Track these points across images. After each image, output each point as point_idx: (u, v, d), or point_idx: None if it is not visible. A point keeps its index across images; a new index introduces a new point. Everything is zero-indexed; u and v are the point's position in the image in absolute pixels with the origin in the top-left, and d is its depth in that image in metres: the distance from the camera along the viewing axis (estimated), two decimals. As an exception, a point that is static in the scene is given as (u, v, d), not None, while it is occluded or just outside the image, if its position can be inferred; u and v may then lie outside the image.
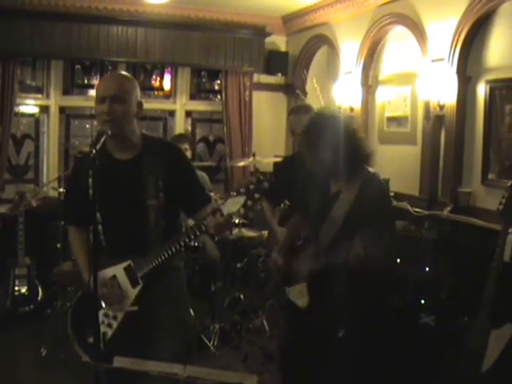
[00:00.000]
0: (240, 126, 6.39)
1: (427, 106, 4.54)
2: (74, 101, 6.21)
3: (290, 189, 3.25)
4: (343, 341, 2.54)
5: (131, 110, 2.30)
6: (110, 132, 2.18)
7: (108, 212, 2.32)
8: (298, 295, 2.62)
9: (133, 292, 2.31)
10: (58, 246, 4.80)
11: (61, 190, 5.01)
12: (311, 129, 2.59)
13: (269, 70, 6.57)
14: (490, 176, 4.13)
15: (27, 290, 4.73)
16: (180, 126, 6.57)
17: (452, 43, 4.24)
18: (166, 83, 6.58)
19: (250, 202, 2.11)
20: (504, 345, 2.75)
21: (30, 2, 5.48)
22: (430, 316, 3.76)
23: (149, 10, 5.94)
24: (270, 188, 2.17)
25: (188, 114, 6.69)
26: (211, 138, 6.90)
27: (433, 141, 4.51)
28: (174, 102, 6.58)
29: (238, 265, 5.20)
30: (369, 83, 5.43)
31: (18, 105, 5.80)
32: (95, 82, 6.19)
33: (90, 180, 2.15)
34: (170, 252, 2.27)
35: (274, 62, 6.55)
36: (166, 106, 6.59)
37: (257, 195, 2.11)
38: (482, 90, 4.20)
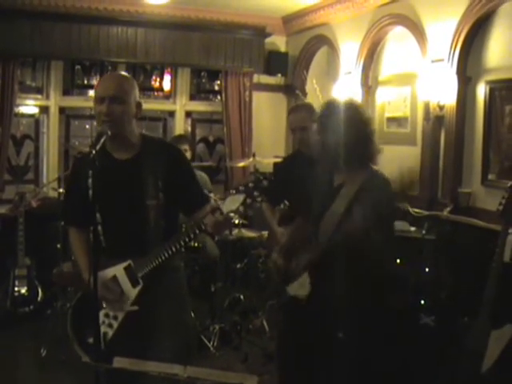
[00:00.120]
0: (240, 126, 6.40)
1: (427, 106, 4.55)
2: (74, 101, 6.21)
3: (289, 189, 3.25)
4: (343, 341, 2.54)
5: (130, 110, 2.30)
6: (109, 132, 2.18)
7: (108, 212, 2.32)
8: (299, 287, 2.61)
9: (133, 292, 2.31)
10: (58, 246, 4.80)
11: (61, 190, 5.01)
12: (325, 112, 2.57)
13: (269, 71, 6.57)
14: (490, 176, 4.14)
15: (27, 291, 4.73)
16: (180, 126, 6.58)
17: (452, 44, 4.25)
18: (166, 84, 6.58)
19: (249, 200, 2.12)
20: (504, 345, 2.76)
21: (30, 3, 5.48)
22: (430, 316, 3.76)
23: (149, 10, 5.95)
24: (269, 188, 2.17)
25: (188, 114, 6.69)
26: (211, 139, 6.90)
27: (433, 141, 4.51)
28: (174, 102, 6.59)
29: (238, 265, 5.20)
30: (369, 84, 5.43)
31: (18, 105, 5.80)
32: (95, 82, 6.19)
33: (90, 180, 2.16)
34: (170, 252, 2.27)
35: (274, 62, 6.56)
36: (166, 106, 6.59)
37: (256, 193, 2.11)
38: (481, 91, 4.20)
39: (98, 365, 1.94)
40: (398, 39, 5.13)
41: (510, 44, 3.98)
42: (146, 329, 2.31)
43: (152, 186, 2.32)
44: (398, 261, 3.96)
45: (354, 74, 5.47)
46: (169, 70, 6.54)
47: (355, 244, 2.36)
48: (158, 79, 6.57)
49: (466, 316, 3.00)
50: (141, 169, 2.32)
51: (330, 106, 2.61)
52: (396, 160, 4.96)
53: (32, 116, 6.08)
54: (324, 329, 2.53)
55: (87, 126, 6.35)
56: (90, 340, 2.23)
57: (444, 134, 4.43)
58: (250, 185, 2.12)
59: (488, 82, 4.13)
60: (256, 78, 6.57)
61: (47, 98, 6.03)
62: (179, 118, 6.59)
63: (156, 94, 6.59)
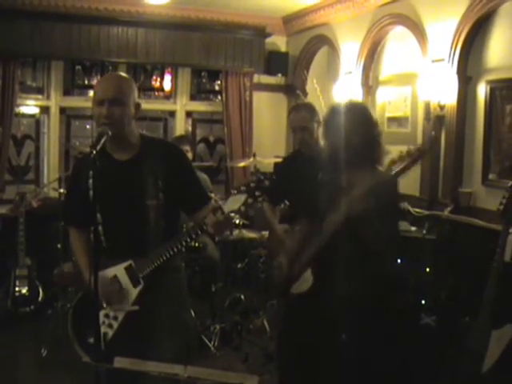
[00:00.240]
0: (240, 126, 6.40)
1: (427, 106, 4.54)
2: (75, 101, 6.21)
3: (290, 188, 3.25)
4: (344, 341, 2.54)
5: (129, 111, 2.30)
6: (110, 132, 2.18)
7: (108, 212, 2.32)
8: (301, 283, 2.62)
9: (134, 292, 2.31)
10: (59, 246, 4.80)
11: (61, 190, 5.02)
12: (331, 115, 2.57)
13: (269, 71, 6.57)
14: (491, 176, 4.13)
15: (28, 291, 4.73)
16: (180, 126, 6.58)
17: (452, 43, 4.24)
18: (167, 84, 6.59)
19: (250, 200, 2.12)
20: (505, 345, 2.76)
21: (31, 3, 5.48)
22: (431, 316, 3.76)
23: (149, 10, 5.95)
24: (270, 188, 2.17)
25: (188, 114, 6.70)
26: (211, 139, 6.90)
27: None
28: (175, 102, 6.59)
29: (239, 265, 5.21)
30: (369, 83, 5.43)
31: (19, 105, 5.80)
32: (95, 82, 6.19)
33: (91, 181, 2.16)
34: (171, 252, 2.27)
35: (275, 62, 6.56)
36: (167, 106, 6.59)
37: (257, 193, 2.11)
38: (482, 91, 4.20)
39: (98, 365, 1.94)
40: (398, 39, 5.13)
41: (510, 44, 3.98)
42: (146, 329, 2.31)
43: (152, 186, 2.32)
44: (399, 261, 3.96)
45: (354, 73, 5.47)
46: (169, 70, 6.54)
47: (356, 226, 2.35)
48: (159, 79, 6.57)
49: (467, 316, 2.99)
50: (141, 169, 2.32)
51: (336, 108, 2.61)
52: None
53: (32, 116, 6.08)
54: (324, 329, 2.53)
55: (88, 126, 6.35)
56: (91, 340, 2.23)
57: (444, 134, 4.43)
58: (252, 185, 2.12)
59: (488, 82, 4.13)
60: (256, 78, 6.57)
61: (48, 98, 6.03)
62: (180, 118, 6.59)
63: (156, 94, 6.59)
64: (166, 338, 2.31)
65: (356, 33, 5.43)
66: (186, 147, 4.55)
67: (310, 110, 3.42)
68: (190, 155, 4.61)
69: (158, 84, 6.58)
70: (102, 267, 2.18)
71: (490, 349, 2.77)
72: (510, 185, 2.94)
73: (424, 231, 4.14)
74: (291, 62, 6.61)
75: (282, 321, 3.25)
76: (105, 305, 2.32)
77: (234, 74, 6.34)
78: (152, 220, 2.32)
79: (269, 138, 6.62)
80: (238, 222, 4.80)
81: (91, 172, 2.16)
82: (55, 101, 6.04)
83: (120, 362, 1.67)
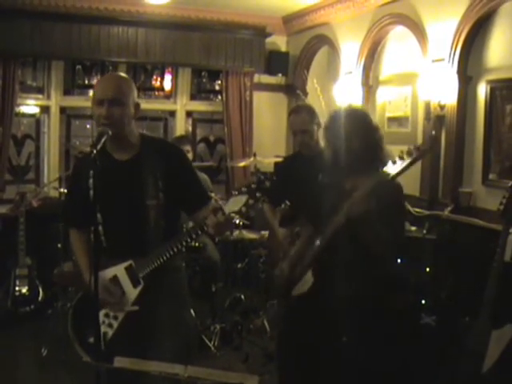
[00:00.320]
0: (241, 126, 6.39)
1: (428, 106, 4.54)
2: (75, 101, 6.21)
3: (290, 189, 3.25)
4: (344, 341, 2.54)
5: (129, 111, 2.30)
6: (110, 132, 2.18)
7: (108, 212, 2.32)
8: (302, 285, 2.62)
9: (134, 292, 2.31)
10: (59, 246, 4.80)
11: (61, 190, 5.02)
12: (333, 120, 2.57)
13: (269, 71, 6.57)
14: (491, 176, 4.13)
15: (28, 291, 4.73)
16: (180, 126, 6.58)
17: (452, 43, 4.24)
18: (167, 83, 6.58)
19: (251, 201, 2.12)
20: (505, 345, 2.76)
21: (31, 3, 5.48)
22: (431, 316, 3.76)
23: (149, 10, 5.95)
24: (270, 188, 2.17)
25: (188, 114, 6.69)
26: (212, 139, 6.90)
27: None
28: (175, 102, 6.59)
29: (239, 265, 5.21)
30: (369, 83, 5.43)
31: (19, 105, 5.80)
32: (95, 82, 6.18)
33: (91, 180, 2.16)
34: (171, 252, 2.27)
35: (275, 62, 6.55)
36: (167, 106, 6.59)
37: (258, 194, 2.11)
38: (482, 90, 4.20)
39: (98, 364, 1.94)
40: (398, 39, 5.13)
41: (510, 43, 3.98)
42: (146, 329, 2.31)
43: (152, 186, 2.32)
44: (399, 261, 3.96)
45: (354, 73, 5.47)
46: (169, 69, 6.54)
47: (357, 228, 2.35)
48: (159, 79, 6.57)
49: (467, 316, 3.00)
50: (140, 169, 2.32)
51: (338, 113, 2.61)
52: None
53: (33, 116, 6.08)
54: (324, 329, 2.53)
55: (88, 126, 6.35)
56: (91, 340, 2.23)
57: (445, 134, 4.43)
58: (253, 186, 2.12)
59: (489, 82, 4.13)
60: (257, 77, 6.56)
61: (48, 97, 6.03)
62: (180, 117, 6.59)
63: (157, 93, 6.59)
64: (167, 337, 2.31)
65: (356, 33, 5.43)
66: (187, 147, 4.55)
67: (310, 112, 3.42)
68: (190, 155, 4.60)
69: (158, 84, 6.58)
70: (102, 267, 2.18)
71: (489, 349, 2.77)
72: (510, 185, 2.94)
73: (424, 231, 4.14)
74: (291, 61, 6.61)
75: (282, 321, 3.25)
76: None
77: (234, 73, 6.34)
78: (152, 220, 2.32)
79: (269, 138, 6.62)
80: (238, 222, 4.80)
81: (91, 172, 2.16)
82: (55, 100, 6.04)
83: (120, 362, 1.68)
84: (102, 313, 2.30)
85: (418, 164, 4.65)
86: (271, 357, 3.97)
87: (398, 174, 2.31)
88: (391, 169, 2.30)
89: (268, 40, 6.51)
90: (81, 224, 2.45)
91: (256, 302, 4.84)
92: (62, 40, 5.55)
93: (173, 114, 6.61)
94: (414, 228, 4.29)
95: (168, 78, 6.58)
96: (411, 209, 4.40)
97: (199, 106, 6.74)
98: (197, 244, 4.44)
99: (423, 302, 3.89)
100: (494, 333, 2.79)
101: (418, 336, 3.70)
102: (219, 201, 2.25)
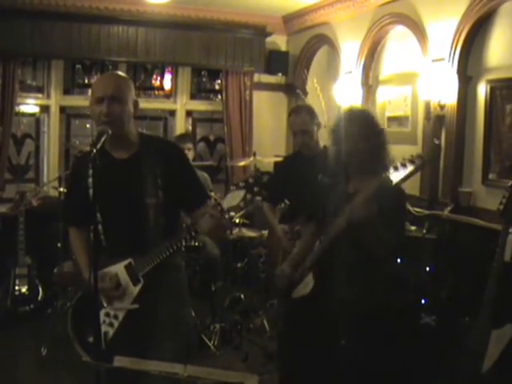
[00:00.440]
0: (240, 125, 6.39)
1: (428, 105, 4.54)
2: (75, 100, 6.20)
3: (290, 188, 3.26)
4: (344, 343, 2.54)
5: (129, 109, 2.30)
6: (110, 131, 2.18)
7: (107, 211, 2.32)
8: (303, 287, 2.62)
9: (134, 290, 2.31)
10: (59, 245, 4.79)
11: (61, 189, 5.01)
12: (338, 122, 2.57)
13: (269, 70, 6.57)
14: (491, 176, 4.13)
15: (28, 290, 4.73)
16: (180, 125, 6.58)
17: (452, 43, 4.24)
18: (167, 83, 6.58)
19: (249, 196, 2.14)
20: (504, 345, 2.76)
21: (31, 2, 5.48)
22: (431, 316, 3.76)
23: (149, 9, 5.95)
24: (270, 187, 2.18)
25: (188, 113, 6.69)
26: (212, 138, 6.90)
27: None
28: (175, 101, 6.59)
29: (239, 264, 5.21)
30: (369, 83, 5.43)
31: (19, 104, 5.79)
32: (93, 82, 6.18)
33: (90, 179, 2.16)
34: (170, 250, 2.27)
35: (275, 61, 6.55)
36: (167, 105, 6.59)
37: (256, 189, 2.13)
38: (482, 90, 4.20)
39: (98, 364, 1.94)
40: (398, 38, 5.13)
41: (510, 43, 3.98)
42: (146, 328, 2.31)
43: (151, 185, 2.32)
44: (399, 260, 3.96)
45: (354, 73, 5.47)
46: (169, 69, 6.54)
47: (358, 232, 2.35)
48: (159, 78, 6.56)
49: (467, 316, 2.99)
50: (140, 167, 2.32)
51: (344, 115, 2.61)
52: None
53: (32, 115, 6.08)
54: (324, 329, 2.53)
55: (88, 125, 6.34)
56: (91, 339, 2.23)
57: (445, 134, 4.43)
58: (250, 180, 2.14)
59: (489, 82, 4.13)
60: (256, 77, 6.56)
61: (48, 97, 6.03)
62: (180, 117, 6.59)
63: (156, 93, 6.59)
64: (166, 336, 2.31)
65: (356, 32, 5.43)
66: (189, 145, 4.55)
67: (310, 112, 3.42)
68: (192, 153, 4.61)
69: (158, 83, 6.57)
70: (101, 266, 2.19)
71: (489, 349, 2.77)
72: (510, 184, 2.94)
73: (424, 231, 4.14)
74: (291, 61, 6.61)
75: (282, 321, 3.25)
76: (105, 304, 2.33)
77: (234, 73, 6.34)
78: (151, 218, 2.32)
79: (269, 137, 6.62)
80: (238, 220, 4.80)
81: (91, 171, 2.16)
82: (55, 100, 6.04)
83: (120, 361, 1.68)
84: (102, 312, 2.31)
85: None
86: (271, 356, 3.97)
87: (400, 182, 2.30)
88: (393, 176, 2.28)
89: (268, 39, 6.51)
90: (80, 223, 2.45)
91: (256, 302, 4.84)
92: (61, 39, 5.55)
93: (173, 113, 6.61)
94: (413, 228, 4.29)
95: (168, 77, 6.57)
96: (411, 208, 4.40)
97: (199, 106, 6.73)
98: (196, 243, 4.44)
99: (423, 301, 3.88)
100: (494, 333, 2.79)
101: (418, 336, 3.70)
102: (218, 199, 2.26)
